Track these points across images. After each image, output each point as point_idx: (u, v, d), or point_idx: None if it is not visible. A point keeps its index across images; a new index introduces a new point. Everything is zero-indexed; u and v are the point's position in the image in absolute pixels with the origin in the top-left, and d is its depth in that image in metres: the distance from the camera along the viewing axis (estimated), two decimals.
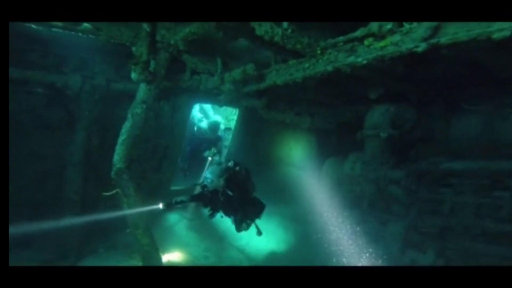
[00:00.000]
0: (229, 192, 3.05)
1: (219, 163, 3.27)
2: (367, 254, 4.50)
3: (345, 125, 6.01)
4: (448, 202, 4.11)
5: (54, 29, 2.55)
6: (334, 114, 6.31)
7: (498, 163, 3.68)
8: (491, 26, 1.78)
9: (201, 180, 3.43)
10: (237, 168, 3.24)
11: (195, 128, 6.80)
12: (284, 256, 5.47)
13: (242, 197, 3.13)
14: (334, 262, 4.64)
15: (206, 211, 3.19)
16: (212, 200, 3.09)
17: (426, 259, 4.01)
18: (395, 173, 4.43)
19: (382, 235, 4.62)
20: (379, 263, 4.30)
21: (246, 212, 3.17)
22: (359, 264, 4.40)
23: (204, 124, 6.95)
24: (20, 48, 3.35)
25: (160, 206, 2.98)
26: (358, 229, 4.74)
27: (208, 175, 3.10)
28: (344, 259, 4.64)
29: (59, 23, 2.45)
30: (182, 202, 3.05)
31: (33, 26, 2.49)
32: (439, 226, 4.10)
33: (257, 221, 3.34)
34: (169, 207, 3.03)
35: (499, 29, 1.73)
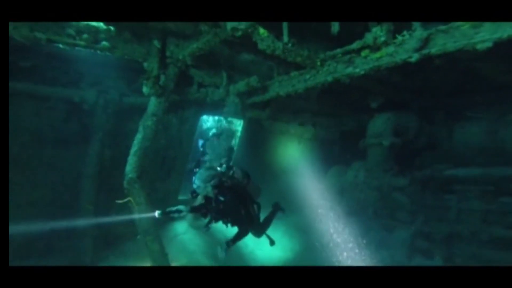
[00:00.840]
0: (221, 198, 2.85)
1: (209, 168, 3.04)
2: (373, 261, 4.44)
3: (348, 134, 6.11)
4: (453, 208, 4.11)
5: (77, 48, 2.80)
6: (336, 123, 6.44)
7: (502, 169, 3.71)
8: (474, 38, 1.92)
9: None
10: (231, 172, 3.07)
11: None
12: (289, 264, 5.44)
13: (238, 202, 2.93)
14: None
15: (205, 221, 3.07)
16: (206, 207, 2.96)
17: (433, 265, 3.96)
18: (399, 180, 4.47)
19: (388, 242, 4.59)
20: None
21: (250, 218, 3.02)
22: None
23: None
24: (44, 65, 3.64)
25: (156, 215, 2.98)
26: (364, 241, 4.71)
27: (196, 180, 2.89)
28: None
29: (81, 42, 2.69)
30: (177, 211, 2.96)
31: (60, 46, 2.75)
32: (445, 232, 4.07)
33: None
34: (164, 215, 2.99)
35: (482, 41, 1.87)
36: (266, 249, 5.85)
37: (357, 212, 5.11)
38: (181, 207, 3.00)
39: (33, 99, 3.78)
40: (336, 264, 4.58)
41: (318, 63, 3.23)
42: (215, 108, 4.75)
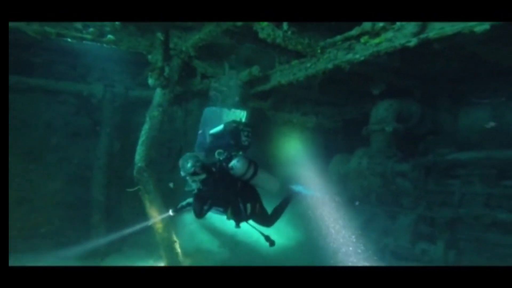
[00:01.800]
0: (204, 188, 2.78)
1: (190, 156, 2.83)
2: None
3: (352, 123, 6.13)
4: (457, 193, 4.15)
5: (84, 42, 2.91)
6: (339, 112, 6.46)
7: (505, 152, 3.71)
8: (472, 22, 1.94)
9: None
10: (232, 162, 2.92)
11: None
12: (294, 251, 5.60)
13: (225, 195, 2.85)
14: (340, 257, 4.70)
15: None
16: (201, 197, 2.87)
17: (436, 250, 4.05)
18: (402, 166, 4.52)
19: (391, 228, 4.68)
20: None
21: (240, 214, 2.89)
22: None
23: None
24: (54, 60, 3.77)
25: (171, 213, 3.19)
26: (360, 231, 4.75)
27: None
28: (350, 258, 4.68)
29: (88, 36, 2.80)
30: (188, 205, 3.03)
31: (68, 39, 2.86)
32: (448, 217, 4.14)
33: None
34: (178, 212, 3.17)
35: (480, 23, 1.89)
36: (272, 237, 6.02)
37: (360, 199, 5.20)
38: (190, 199, 3.04)
39: (46, 94, 3.94)
40: (338, 254, 4.69)
41: (319, 51, 3.26)
42: (218, 99, 4.83)
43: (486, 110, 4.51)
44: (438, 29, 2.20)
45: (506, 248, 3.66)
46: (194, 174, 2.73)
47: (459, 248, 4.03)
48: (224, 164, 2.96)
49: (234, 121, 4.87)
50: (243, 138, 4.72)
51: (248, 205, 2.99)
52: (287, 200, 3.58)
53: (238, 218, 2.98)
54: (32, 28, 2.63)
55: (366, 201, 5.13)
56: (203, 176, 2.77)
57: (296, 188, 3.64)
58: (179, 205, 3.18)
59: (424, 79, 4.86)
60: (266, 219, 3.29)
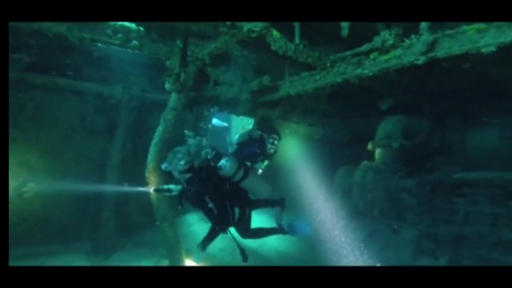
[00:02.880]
0: (188, 187, 2.64)
1: (177, 151, 2.67)
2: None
3: (359, 137, 6.16)
4: (462, 211, 4.12)
5: (112, 46, 3.13)
6: (347, 125, 6.50)
7: (511, 174, 3.70)
8: (479, 42, 2.02)
9: None
10: (220, 163, 2.71)
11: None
12: (295, 257, 5.56)
13: (207, 197, 2.63)
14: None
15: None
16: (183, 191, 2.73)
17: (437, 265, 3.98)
18: (407, 182, 4.51)
19: (394, 243, 4.62)
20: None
21: (225, 218, 2.70)
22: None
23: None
24: (83, 63, 4.03)
25: (151, 190, 3.22)
26: (362, 244, 4.72)
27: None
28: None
29: (116, 41, 3.00)
30: (168, 190, 2.94)
31: (99, 44, 3.08)
32: (452, 234, 4.09)
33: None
34: (157, 192, 3.10)
35: (486, 45, 1.96)
36: (272, 245, 6.00)
37: (364, 213, 5.17)
38: (171, 186, 2.98)
39: (73, 94, 4.19)
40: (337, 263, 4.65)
41: (328, 64, 3.37)
42: (228, 106, 4.97)
43: (495, 130, 4.50)
44: (447, 48, 2.27)
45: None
46: (181, 172, 2.60)
47: (462, 265, 3.95)
48: (212, 163, 2.75)
49: (258, 129, 4.92)
50: (269, 146, 4.60)
51: (237, 210, 2.79)
52: (274, 231, 3.40)
53: (224, 223, 2.73)
54: (72, 34, 2.87)
55: (369, 215, 5.09)
56: (188, 175, 2.63)
57: (289, 229, 3.39)
58: (160, 187, 3.10)
59: (434, 96, 4.90)
60: (247, 230, 3.06)
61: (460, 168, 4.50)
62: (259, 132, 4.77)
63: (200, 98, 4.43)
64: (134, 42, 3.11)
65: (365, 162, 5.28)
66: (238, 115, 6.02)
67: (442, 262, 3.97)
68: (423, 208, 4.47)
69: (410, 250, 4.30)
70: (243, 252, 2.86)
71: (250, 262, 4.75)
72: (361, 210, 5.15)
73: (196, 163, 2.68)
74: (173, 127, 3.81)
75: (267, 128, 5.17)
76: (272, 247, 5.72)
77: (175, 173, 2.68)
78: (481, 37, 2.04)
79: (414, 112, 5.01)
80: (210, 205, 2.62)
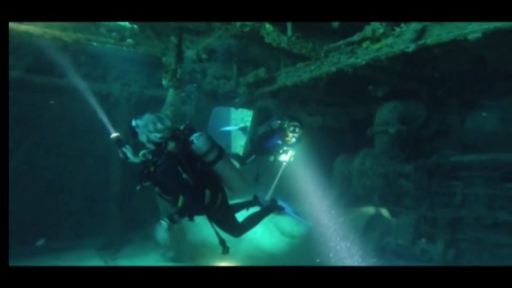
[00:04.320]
0: (155, 159, 2.27)
1: (157, 118, 2.32)
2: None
3: (359, 124, 6.20)
4: (458, 194, 4.21)
5: (107, 45, 3.18)
6: (345, 113, 6.53)
7: (508, 155, 3.75)
8: (466, 29, 2.05)
9: None
10: (192, 138, 2.36)
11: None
12: (296, 249, 5.73)
13: (175, 175, 2.20)
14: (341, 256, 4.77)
15: None
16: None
17: (436, 249, 4.12)
18: (404, 167, 4.59)
19: (393, 228, 4.77)
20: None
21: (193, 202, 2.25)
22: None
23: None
24: (81, 62, 4.09)
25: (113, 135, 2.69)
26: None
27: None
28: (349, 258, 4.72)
29: (111, 40, 3.06)
30: (123, 153, 2.56)
31: (94, 44, 3.14)
32: (449, 217, 4.20)
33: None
34: (117, 143, 2.64)
35: (473, 31, 2.00)
36: (275, 234, 6.19)
37: (363, 199, 5.29)
38: (129, 153, 2.54)
39: (71, 93, 4.27)
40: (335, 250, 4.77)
41: (322, 55, 3.40)
42: (227, 99, 5.04)
43: (493, 113, 4.52)
44: (436, 35, 2.31)
45: (506, 248, 3.70)
46: (150, 141, 2.25)
47: (459, 248, 4.09)
48: (183, 136, 2.38)
49: (278, 118, 4.50)
50: (290, 135, 4.37)
51: (207, 192, 2.37)
52: (268, 209, 3.04)
53: (194, 208, 2.30)
54: (66, 34, 2.91)
55: (368, 200, 5.22)
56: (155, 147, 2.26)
57: (283, 204, 3.15)
58: (119, 139, 2.71)
59: (430, 81, 4.89)
60: (234, 226, 2.69)
61: (459, 151, 4.55)
62: (278, 122, 4.51)
63: (198, 92, 4.50)
64: (129, 40, 3.16)
65: (363, 149, 5.36)
66: (236, 108, 6.09)
67: (440, 245, 4.10)
68: (421, 193, 4.56)
69: (409, 234, 4.44)
70: (223, 242, 2.52)
71: (249, 254, 4.81)
72: (360, 197, 5.28)
73: (166, 133, 2.28)
74: (172, 122, 3.90)
75: (287, 115, 4.75)
76: (273, 239, 5.88)
77: (142, 137, 2.30)
78: (468, 24, 2.07)
79: (411, 97, 5.02)
80: (185, 175, 2.17)
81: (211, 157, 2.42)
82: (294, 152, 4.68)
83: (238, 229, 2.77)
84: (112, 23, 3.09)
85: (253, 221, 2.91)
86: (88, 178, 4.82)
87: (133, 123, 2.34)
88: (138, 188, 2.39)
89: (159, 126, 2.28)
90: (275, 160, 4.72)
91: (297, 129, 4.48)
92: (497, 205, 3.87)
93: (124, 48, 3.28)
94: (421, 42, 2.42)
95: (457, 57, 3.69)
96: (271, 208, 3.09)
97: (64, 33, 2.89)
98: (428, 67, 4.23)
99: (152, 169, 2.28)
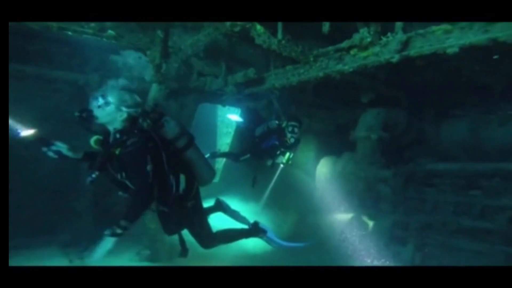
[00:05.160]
0: (124, 137, 2.02)
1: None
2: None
3: (344, 127, 6.36)
4: (430, 200, 4.45)
5: (84, 35, 2.99)
6: (332, 116, 6.68)
7: (474, 164, 4.01)
8: (445, 43, 2.15)
9: None
10: (162, 120, 2.15)
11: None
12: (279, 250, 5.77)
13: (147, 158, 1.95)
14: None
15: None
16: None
17: (406, 252, 4.34)
18: (384, 172, 4.78)
19: (370, 231, 4.94)
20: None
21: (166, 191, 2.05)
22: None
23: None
24: (51, 50, 3.83)
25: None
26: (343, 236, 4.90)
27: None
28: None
29: (89, 30, 2.88)
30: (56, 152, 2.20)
31: (69, 33, 2.94)
32: (421, 222, 4.43)
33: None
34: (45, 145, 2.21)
35: (450, 46, 2.11)
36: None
37: (344, 202, 5.45)
38: (61, 146, 2.21)
39: (41, 82, 4.00)
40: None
41: (311, 59, 3.44)
42: (214, 96, 4.97)
43: (464, 123, 4.81)
44: (418, 47, 2.40)
45: (467, 252, 3.97)
46: (131, 119, 2.01)
47: (425, 252, 4.34)
48: (152, 117, 2.15)
49: (276, 119, 4.26)
50: (288, 135, 4.13)
51: (182, 178, 2.17)
52: (249, 232, 2.79)
53: (166, 197, 2.09)
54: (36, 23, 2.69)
55: (349, 203, 5.38)
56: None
57: (265, 227, 2.90)
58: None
59: (411, 90, 5.12)
60: (205, 234, 2.40)
61: (434, 159, 4.80)
62: (276, 122, 4.25)
63: (183, 88, 4.39)
64: (110, 32, 3.00)
65: (346, 153, 5.51)
66: (223, 105, 6.03)
67: (410, 248, 4.31)
68: (397, 198, 4.77)
69: (384, 237, 4.63)
70: (183, 243, 2.28)
71: (243, 251, 4.72)
72: (341, 199, 5.43)
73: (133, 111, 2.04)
74: None
75: (286, 114, 4.54)
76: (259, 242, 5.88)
77: (110, 116, 1.99)
78: (447, 38, 2.17)
79: (393, 104, 5.23)
80: (149, 167, 1.94)
81: (182, 143, 2.25)
82: (291, 155, 4.46)
83: (209, 239, 2.44)
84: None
85: (228, 237, 2.64)
86: (55, 169, 4.50)
87: (101, 100, 1.97)
88: (92, 178, 2.02)
89: (137, 99, 2.05)
90: (273, 163, 4.50)
91: (295, 130, 4.22)
92: (461, 211, 4.14)
93: (105, 39, 3.09)
94: (405, 53, 2.50)
95: (435, 67, 3.88)
96: (252, 231, 2.81)
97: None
98: (410, 76, 4.41)
99: (117, 151, 1.95)
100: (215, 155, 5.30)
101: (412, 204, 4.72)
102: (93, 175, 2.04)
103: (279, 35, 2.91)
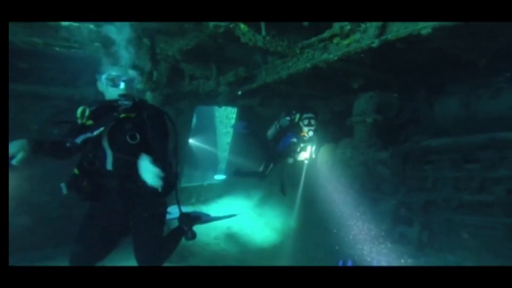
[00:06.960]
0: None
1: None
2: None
3: (340, 115, 6.43)
4: (430, 178, 4.52)
5: (72, 50, 3.04)
6: (326, 105, 6.76)
7: (468, 138, 4.06)
8: (418, 25, 2.24)
9: None
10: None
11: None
12: (286, 241, 5.93)
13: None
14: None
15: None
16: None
17: (412, 232, 4.43)
18: (381, 154, 4.85)
19: (374, 213, 5.05)
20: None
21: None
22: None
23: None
24: (41, 66, 3.87)
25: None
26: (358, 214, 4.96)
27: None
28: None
29: (75, 44, 2.93)
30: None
31: (56, 48, 2.99)
32: (423, 201, 4.51)
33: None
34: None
35: (424, 27, 2.20)
36: (265, 229, 6.36)
37: (347, 187, 5.55)
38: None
39: (37, 99, 4.04)
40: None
41: (298, 51, 3.54)
42: (208, 98, 5.09)
43: (456, 98, 4.87)
44: (395, 31, 2.49)
45: (470, 228, 4.04)
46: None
47: (431, 229, 4.41)
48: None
49: (286, 115, 4.01)
50: (305, 129, 3.99)
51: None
52: (179, 230, 2.36)
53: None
54: (19, 38, 2.71)
55: (351, 188, 5.48)
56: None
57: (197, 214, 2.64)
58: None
59: (400, 72, 5.18)
60: (155, 247, 2.16)
61: (429, 136, 4.87)
62: (287, 118, 4.06)
63: (177, 93, 4.51)
64: (96, 44, 3.08)
65: (344, 139, 5.60)
66: (219, 106, 6.15)
67: (416, 228, 4.39)
68: (397, 178, 4.85)
69: (388, 219, 4.72)
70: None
71: (241, 250, 4.75)
72: (343, 184, 5.53)
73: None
74: None
75: (299, 107, 4.35)
76: (264, 234, 5.99)
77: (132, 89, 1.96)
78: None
79: (385, 87, 5.30)
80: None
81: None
82: (314, 147, 4.25)
83: (158, 252, 2.19)
84: (73, 26, 2.88)
85: (170, 243, 2.35)
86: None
87: (131, 73, 2.02)
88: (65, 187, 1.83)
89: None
90: (295, 161, 4.32)
91: (312, 121, 4.03)
92: (461, 186, 4.19)
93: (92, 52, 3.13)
94: (383, 37, 2.59)
95: (418, 49, 3.94)
96: (181, 229, 2.34)
97: (15, 37, 2.65)
98: (395, 59, 4.47)
99: (133, 115, 1.89)
100: (239, 173, 5.06)
101: (413, 184, 4.80)
102: (64, 190, 1.87)
103: (263, 32, 3.01)
